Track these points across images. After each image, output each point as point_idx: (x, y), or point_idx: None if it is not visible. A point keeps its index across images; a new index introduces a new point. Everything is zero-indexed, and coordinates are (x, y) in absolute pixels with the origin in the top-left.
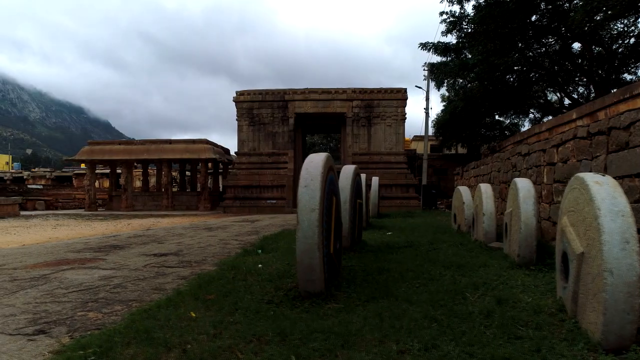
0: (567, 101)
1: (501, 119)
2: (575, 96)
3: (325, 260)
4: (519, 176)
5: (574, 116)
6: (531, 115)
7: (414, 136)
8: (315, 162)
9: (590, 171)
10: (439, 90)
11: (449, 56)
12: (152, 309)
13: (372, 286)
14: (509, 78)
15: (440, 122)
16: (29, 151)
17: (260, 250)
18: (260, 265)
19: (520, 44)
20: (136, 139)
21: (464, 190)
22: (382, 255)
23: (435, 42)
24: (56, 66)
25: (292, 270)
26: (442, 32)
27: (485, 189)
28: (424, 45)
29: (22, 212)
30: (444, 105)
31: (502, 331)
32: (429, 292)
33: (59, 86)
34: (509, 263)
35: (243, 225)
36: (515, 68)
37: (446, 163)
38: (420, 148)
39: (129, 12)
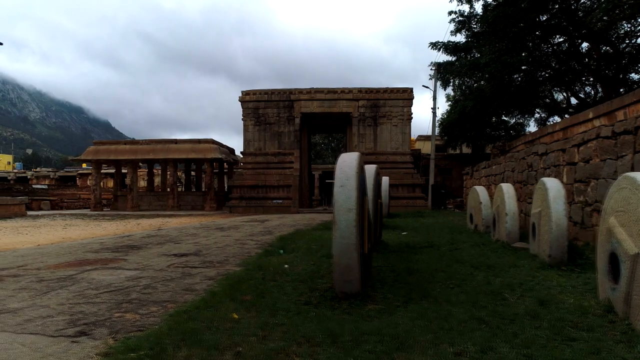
0: (573, 100)
1: (506, 118)
2: (582, 96)
3: (360, 260)
4: (535, 176)
5: (591, 116)
6: (537, 115)
7: (418, 136)
8: (349, 161)
9: (616, 171)
10: (444, 90)
11: (459, 56)
12: (191, 310)
13: (406, 287)
14: (517, 77)
15: (446, 122)
16: (29, 151)
17: (282, 251)
18: (286, 266)
19: (531, 44)
20: (136, 138)
21: (480, 190)
22: (405, 255)
23: (445, 41)
24: (55, 66)
25: (321, 271)
26: (451, 32)
27: (507, 189)
28: (434, 45)
29: (29, 212)
30: (449, 105)
31: (553, 333)
32: (465, 293)
33: (59, 86)
34: (539, 263)
35: (254, 225)
36: (523, 67)
37: (450, 163)
38: (424, 148)
39: (127, 12)
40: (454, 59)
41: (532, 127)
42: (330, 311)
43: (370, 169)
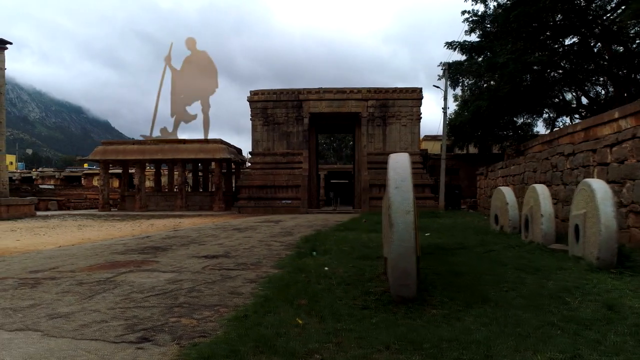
0: (584, 100)
1: (514, 118)
2: (592, 96)
3: (417, 264)
4: (561, 177)
5: (617, 115)
6: (545, 115)
7: (425, 136)
8: (401, 162)
9: None
10: (454, 90)
11: (470, 56)
12: (251, 315)
13: (460, 290)
14: (527, 77)
15: (458, 122)
16: (29, 151)
17: (314, 252)
18: (326, 268)
19: (549, 42)
20: (135, 138)
21: (506, 191)
22: (441, 257)
23: (461, 41)
24: (55, 66)
25: (366, 274)
26: (465, 31)
27: (542, 190)
28: (450, 45)
29: (37, 213)
30: (457, 105)
31: (636, 339)
32: (523, 297)
33: (58, 86)
34: (586, 266)
35: (270, 226)
36: (534, 67)
37: (457, 163)
38: (431, 148)
39: (125, 12)
40: (467, 58)
41: (540, 128)
42: (391, 316)
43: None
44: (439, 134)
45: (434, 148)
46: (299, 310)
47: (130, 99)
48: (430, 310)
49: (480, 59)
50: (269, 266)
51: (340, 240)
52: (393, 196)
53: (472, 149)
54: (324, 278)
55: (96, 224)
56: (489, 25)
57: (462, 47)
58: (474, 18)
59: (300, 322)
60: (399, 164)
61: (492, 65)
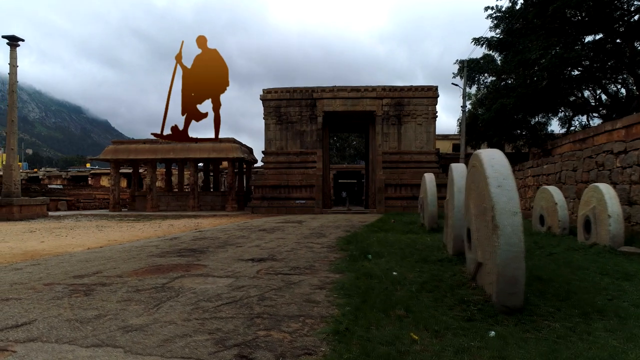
0: (603, 98)
1: (527, 117)
2: (611, 94)
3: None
4: (609, 175)
5: None
6: (560, 114)
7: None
8: (498, 158)
9: None
10: (470, 88)
11: (497, 52)
12: (350, 328)
13: (561, 298)
14: (566, 72)
15: (469, 120)
16: (29, 151)
17: (369, 256)
18: (394, 273)
19: (583, 37)
20: (134, 138)
21: (554, 190)
22: None
23: (489, 37)
24: (53, 65)
25: (445, 280)
26: (489, 27)
27: (607, 189)
28: (477, 40)
29: (49, 213)
30: (470, 104)
31: None
32: (636, 306)
33: (57, 85)
34: None
35: (294, 226)
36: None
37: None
38: (442, 147)
39: (118, 9)
40: (483, 56)
41: (554, 127)
42: (509, 329)
43: (463, 167)
44: (448, 133)
45: (444, 147)
46: (400, 322)
47: (127, 98)
48: (543, 321)
49: (499, 57)
50: (326, 270)
51: (382, 242)
52: (496, 196)
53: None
54: (397, 284)
55: (113, 224)
56: (514, 22)
57: (490, 43)
58: (498, 14)
59: (415, 337)
60: (496, 160)
61: (523, 62)
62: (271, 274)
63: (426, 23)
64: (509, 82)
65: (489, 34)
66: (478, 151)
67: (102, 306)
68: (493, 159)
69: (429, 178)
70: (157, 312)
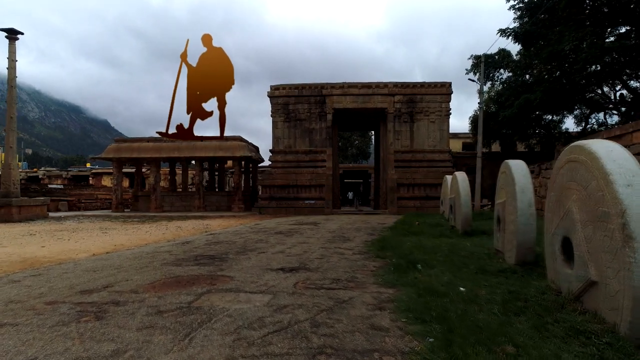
0: (624, 93)
1: (542, 114)
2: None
3: None
4: None
5: None
6: (576, 112)
7: None
8: (618, 150)
9: None
10: (485, 85)
11: (524, 44)
12: None
13: None
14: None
15: (502, 117)
16: (29, 151)
17: (419, 266)
18: (462, 289)
19: (615, 29)
20: (132, 137)
21: None
22: None
23: (516, 28)
24: (51, 64)
25: (530, 299)
26: (513, 19)
27: None
28: (504, 32)
29: (49, 214)
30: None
31: None
32: None
33: (56, 85)
34: None
35: (311, 228)
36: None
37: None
38: (452, 146)
39: (114, 8)
40: (498, 51)
41: (569, 124)
42: None
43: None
44: (456, 132)
45: (454, 146)
46: (507, 357)
47: (125, 97)
48: None
49: (518, 51)
50: (372, 283)
51: (420, 248)
52: (626, 198)
53: (495, 147)
54: (473, 304)
55: (118, 226)
56: (539, 13)
57: (517, 34)
58: (521, 5)
59: None
60: (617, 152)
61: (555, 53)
62: (312, 288)
63: (423, 21)
64: (527, 77)
65: (512, 25)
66: (580, 142)
67: (119, 336)
68: (612, 151)
69: (461, 177)
70: (190, 345)
